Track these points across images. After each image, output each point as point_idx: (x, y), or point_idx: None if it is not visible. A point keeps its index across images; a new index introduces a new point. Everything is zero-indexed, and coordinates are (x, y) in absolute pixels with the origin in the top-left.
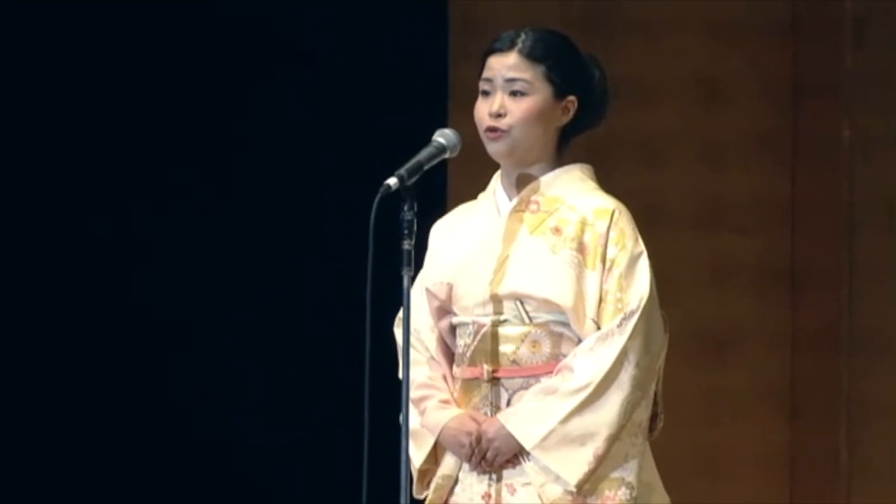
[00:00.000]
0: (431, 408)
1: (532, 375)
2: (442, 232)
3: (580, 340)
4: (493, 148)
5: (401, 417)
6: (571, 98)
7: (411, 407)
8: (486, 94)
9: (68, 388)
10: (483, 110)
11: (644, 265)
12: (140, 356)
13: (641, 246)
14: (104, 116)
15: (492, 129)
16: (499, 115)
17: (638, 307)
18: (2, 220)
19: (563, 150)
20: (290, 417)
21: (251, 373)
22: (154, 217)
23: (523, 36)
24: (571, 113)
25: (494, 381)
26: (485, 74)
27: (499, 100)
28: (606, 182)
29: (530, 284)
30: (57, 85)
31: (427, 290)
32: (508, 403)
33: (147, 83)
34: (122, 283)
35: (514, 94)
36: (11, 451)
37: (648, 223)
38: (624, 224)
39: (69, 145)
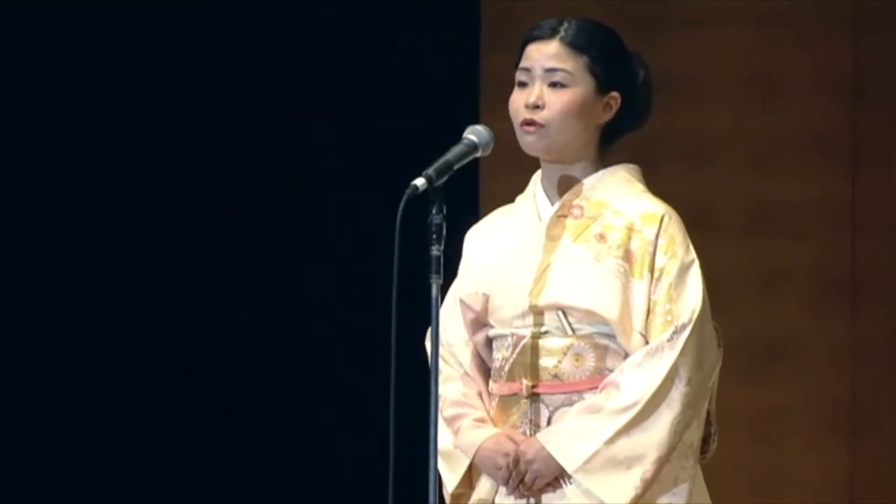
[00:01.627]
0: (466, 427)
1: (575, 391)
2: (477, 239)
3: (627, 354)
4: (528, 142)
5: (430, 437)
6: (614, 94)
7: (444, 426)
8: (522, 84)
9: (70, 391)
10: (519, 102)
11: (696, 274)
12: (144, 358)
13: (693, 254)
14: (110, 120)
15: (528, 123)
16: (536, 107)
17: (690, 320)
18: (4, 221)
19: (605, 150)
20: (293, 424)
21: (253, 375)
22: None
23: (566, 24)
24: (613, 111)
25: (534, 397)
26: (522, 63)
27: (537, 90)
28: (652, 184)
29: (573, 295)
30: (63, 84)
31: (461, 301)
32: (549, 422)
33: (161, 85)
34: (124, 283)
35: (553, 85)
36: (14, 453)
37: (697, 228)
38: (674, 230)
39: (76, 149)
